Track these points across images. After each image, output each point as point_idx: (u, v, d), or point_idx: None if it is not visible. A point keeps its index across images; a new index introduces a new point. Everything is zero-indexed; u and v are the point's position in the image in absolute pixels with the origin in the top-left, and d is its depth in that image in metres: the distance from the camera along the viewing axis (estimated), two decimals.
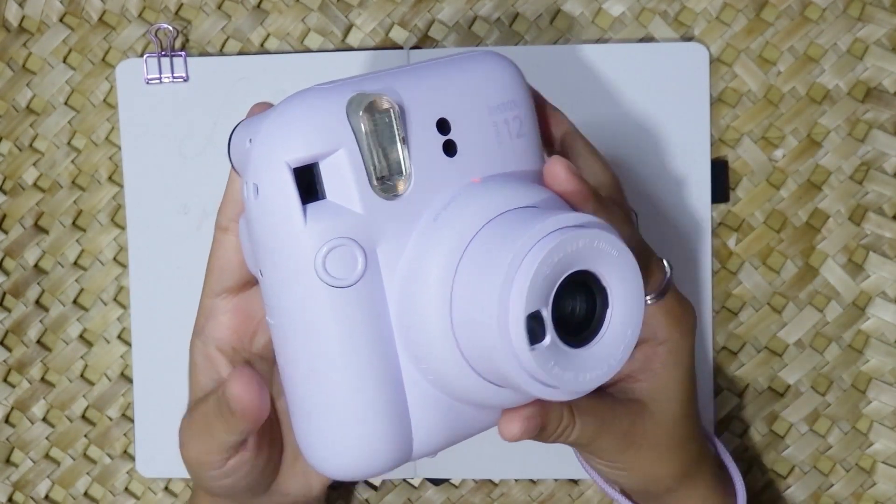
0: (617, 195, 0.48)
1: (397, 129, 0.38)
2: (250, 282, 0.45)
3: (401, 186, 0.38)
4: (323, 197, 0.37)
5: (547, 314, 0.36)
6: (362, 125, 0.37)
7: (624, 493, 0.52)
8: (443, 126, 0.39)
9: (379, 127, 0.37)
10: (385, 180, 0.38)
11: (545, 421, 0.42)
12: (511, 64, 0.42)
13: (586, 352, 0.38)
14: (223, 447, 0.44)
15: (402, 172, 0.38)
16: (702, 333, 0.60)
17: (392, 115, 0.38)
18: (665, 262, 0.47)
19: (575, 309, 0.38)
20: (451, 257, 0.38)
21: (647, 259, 0.46)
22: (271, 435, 0.47)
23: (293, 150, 0.37)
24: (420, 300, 0.38)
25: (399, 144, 0.38)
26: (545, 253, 0.36)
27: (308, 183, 0.37)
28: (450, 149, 0.39)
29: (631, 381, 0.47)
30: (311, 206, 0.37)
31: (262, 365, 0.46)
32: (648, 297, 0.46)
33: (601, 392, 0.46)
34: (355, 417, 0.39)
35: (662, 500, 0.51)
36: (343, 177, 0.37)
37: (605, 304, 0.38)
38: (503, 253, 0.36)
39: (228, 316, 0.45)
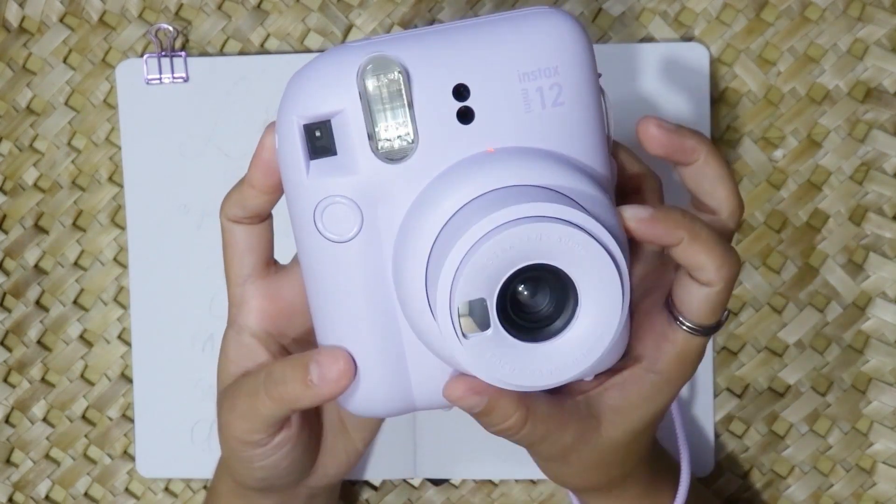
0: (726, 229, 0.45)
1: (405, 94, 0.38)
2: (271, 262, 0.45)
3: (405, 151, 0.38)
4: (334, 153, 0.39)
5: (491, 304, 0.36)
6: (368, 87, 0.38)
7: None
8: (460, 92, 0.39)
9: (385, 90, 0.38)
10: (390, 143, 0.38)
11: (491, 406, 0.40)
12: (567, 25, 0.39)
13: (538, 349, 0.37)
14: (268, 423, 0.44)
15: (406, 137, 0.38)
16: None
17: (400, 80, 0.38)
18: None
19: (538, 303, 0.38)
20: (431, 231, 0.38)
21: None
22: (315, 411, 0.47)
23: (304, 107, 0.39)
24: (405, 267, 0.39)
25: (405, 109, 0.38)
26: (472, 246, 0.36)
27: (322, 138, 0.39)
28: (465, 116, 0.39)
29: (598, 395, 0.44)
30: (317, 162, 0.39)
31: (300, 350, 0.45)
32: (686, 325, 0.43)
33: (561, 395, 0.43)
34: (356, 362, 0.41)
35: (586, 495, 0.50)
36: (349, 136, 0.38)
37: (572, 304, 0.37)
38: (453, 240, 0.37)
39: (258, 300, 0.45)
